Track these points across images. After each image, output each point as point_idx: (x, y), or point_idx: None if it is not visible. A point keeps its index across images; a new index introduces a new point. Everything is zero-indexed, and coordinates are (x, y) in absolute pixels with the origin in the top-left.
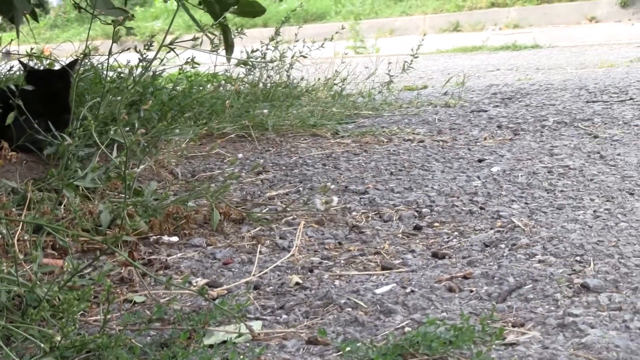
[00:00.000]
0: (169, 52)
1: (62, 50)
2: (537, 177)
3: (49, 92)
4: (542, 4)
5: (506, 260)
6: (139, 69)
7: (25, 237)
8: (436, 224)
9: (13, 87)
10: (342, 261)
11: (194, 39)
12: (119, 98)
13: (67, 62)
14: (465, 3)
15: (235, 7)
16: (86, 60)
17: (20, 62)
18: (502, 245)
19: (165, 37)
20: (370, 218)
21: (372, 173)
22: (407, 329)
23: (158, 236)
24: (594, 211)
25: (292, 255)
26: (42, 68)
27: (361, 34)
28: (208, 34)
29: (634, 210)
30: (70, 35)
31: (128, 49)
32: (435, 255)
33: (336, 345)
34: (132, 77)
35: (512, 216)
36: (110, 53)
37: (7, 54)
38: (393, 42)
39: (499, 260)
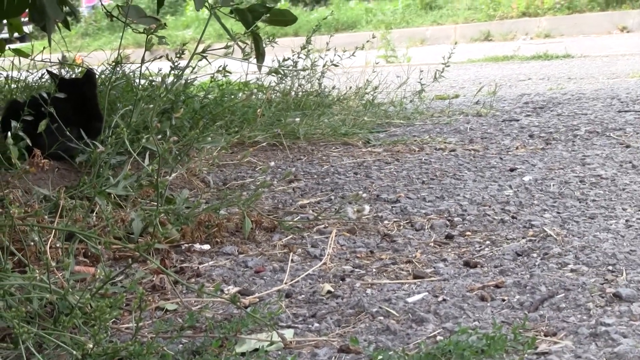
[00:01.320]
0: (200, 60)
1: (94, 59)
2: (569, 186)
3: (80, 99)
4: (573, 14)
5: (538, 269)
6: (171, 77)
7: (58, 245)
8: (468, 233)
9: (45, 95)
10: (374, 270)
11: (226, 47)
12: (151, 106)
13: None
14: (496, 13)
15: (267, 15)
16: (118, 68)
17: (49, 73)
18: (534, 255)
19: (197, 46)
20: (401, 227)
21: (404, 182)
22: (439, 337)
23: (190, 244)
24: (626, 221)
25: (324, 263)
26: (73, 76)
27: (392, 43)
28: (239, 42)
29: None
30: (101, 43)
31: (160, 57)
32: (467, 264)
33: (368, 353)
34: (164, 86)
35: (544, 225)
36: (142, 61)
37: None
38: (424, 51)
39: (531, 270)
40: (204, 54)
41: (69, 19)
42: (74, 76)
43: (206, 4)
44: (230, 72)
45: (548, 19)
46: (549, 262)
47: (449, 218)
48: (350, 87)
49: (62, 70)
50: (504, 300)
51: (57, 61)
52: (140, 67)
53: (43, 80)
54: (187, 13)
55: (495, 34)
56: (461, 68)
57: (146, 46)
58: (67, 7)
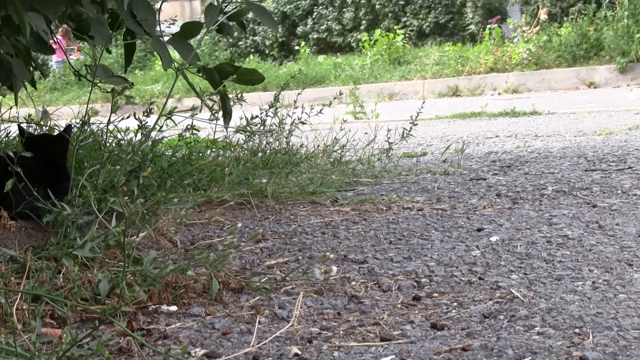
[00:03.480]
0: (168, 119)
1: (62, 114)
2: (536, 247)
3: (47, 158)
4: (540, 69)
5: (505, 332)
6: (139, 136)
7: (24, 307)
8: (435, 294)
9: (11, 154)
10: (341, 332)
11: (193, 108)
12: (118, 167)
13: (63, 127)
14: (464, 68)
15: (234, 75)
16: (85, 127)
17: (19, 127)
18: (501, 317)
19: (165, 103)
20: (369, 288)
21: (371, 242)
22: None
23: (157, 305)
24: (593, 282)
25: (291, 325)
26: (40, 133)
27: (360, 98)
28: (207, 101)
29: (632, 282)
30: (70, 97)
31: (128, 116)
32: (434, 326)
33: None
34: (131, 147)
35: (511, 287)
36: (109, 121)
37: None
38: (392, 107)
39: (497, 332)
40: (171, 115)
41: (36, 75)
42: (43, 132)
43: (174, 64)
44: (198, 130)
45: (516, 74)
46: (515, 325)
47: (416, 279)
48: (318, 145)
49: (31, 127)
50: None
51: (24, 120)
52: (107, 127)
53: (10, 137)
54: (156, 67)
55: (464, 89)
56: (429, 125)
57: (112, 107)
58: (35, 65)
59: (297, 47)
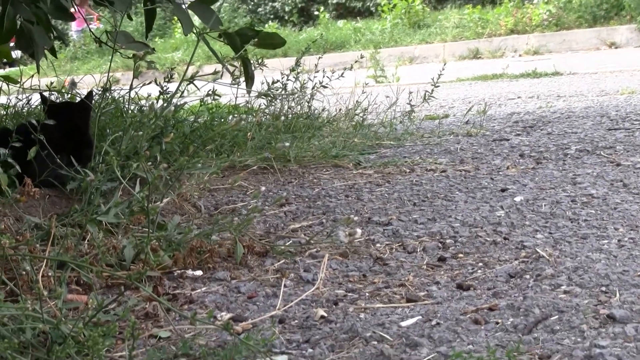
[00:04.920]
0: (189, 84)
1: (83, 83)
2: (561, 206)
3: (70, 126)
4: (561, 30)
5: (531, 291)
6: (160, 102)
7: (50, 273)
8: (460, 255)
9: (34, 122)
10: (367, 294)
11: (215, 72)
12: (140, 133)
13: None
14: (484, 30)
15: (256, 39)
16: (107, 94)
17: (41, 96)
18: (527, 276)
19: (186, 70)
20: (394, 250)
21: (395, 204)
22: None
23: (182, 270)
24: (619, 240)
25: (317, 288)
26: (62, 101)
27: (381, 62)
28: (228, 66)
29: None
30: (91, 67)
31: (149, 82)
32: (460, 286)
33: None
34: (153, 112)
35: (537, 246)
36: (131, 87)
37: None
38: (413, 70)
39: (524, 292)
40: (193, 80)
41: (56, 44)
42: (65, 100)
43: (194, 29)
44: (219, 96)
45: (536, 35)
46: (542, 284)
47: (441, 240)
48: (340, 109)
49: (52, 95)
50: (497, 323)
51: (46, 88)
52: (129, 93)
53: (32, 106)
54: (176, 35)
55: (484, 51)
56: (450, 87)
57: (134, 73)
58: (55, 33)
59: (316, 13)
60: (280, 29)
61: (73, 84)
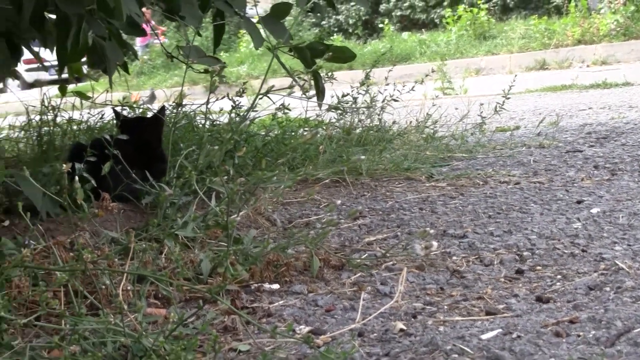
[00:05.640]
0: (262, 98)
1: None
2: (638, 217)
3: (143, 140)
4: (629, 40)
5: (612, 303)
6: (234, 116)
7: (129, 287)
8: (538, 268)
9: (108, 137)
10: (445, 306)
11: (290, 86)
12: (216, 147)
13: (157, 109)
14: (551, 41)
15: (326, 53)
16: (180, 109)
17: (114, 111)
18: (607, 288)
19: (262, 85)
20: (470, 262)
21: (470, 216)
22: None
23: (259, 284)
24: None
25: (395, 301)
26: (133, 116)
27: (448, 74)
28: (298, 79)
29: None
30: (156, 81)
31: (222, 97)
32: (539, 299)
33: None
34: (230, 127)
35: (616, 258)
36: (207, 101)
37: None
38: (480, 82)
39: (604, 304)
40: (268, 94)
41: (126, 60)
42: (138, 115)
43: (266, 44)
44: (290, 110)
45: (604, 45)
46: (622, 296)
47: (518, 253)
48: (411, 121)
49: (125, 110)
50: (579, 335)
51: (118, 102)
52: (206, 108)
53: (105, 120)
54: (241, 49)
55: (551, 62)
56: (519, 98)
57: (211, 88)
58: (125, 48)
59: (380, 25)
60: (345, 42)
61: (153, 97)
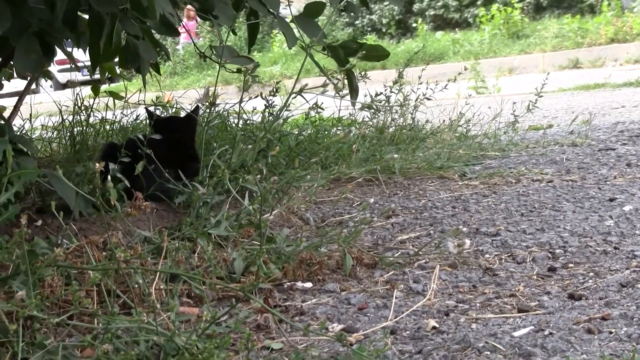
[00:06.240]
0: (294, 97)
1: (185, 98)
2: None
3: (176, 139)
4: None
5: None
6: (267, 116)
7: (161, 286)
8: (570, 265)
9: (141, 137)
10: (478, 304)
11: (324, 85)
12: (249, 146)
13: (191, 109)
14: (584, 40)
15: (360, 52)
16: (213, 108)
17: (147, 111)
18: (639, 286)
19: (295, 84)
20: (503, 260)
21: (503, 215)
22: None
23: (292, 282)
24: None
25: (428, 299)
26: (168, 115)
27: (481, 73)
28: (332, 78)
29: None
30: (190, 82)
31: (256, 96)
32: (571, 296)
33: None
34: (264, 126)
35: None
36: (240, 101)
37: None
38: (513, 81)
39: (636, 301)
40: (301, 93)
41: (159, 60)
42: (171, 114)
43: (300, 43)
44: (323, 109)
45: (637, 44)
46: None
47: (551, 250)
48: (444, 120)
49: (157, 110)
50: (611, 332)
51: (152, 102)
52: (240, 107)
53: (137, 120)
54: (274, 49)
55: (584, 61)
56: (552, 97)
57: (244, 87)
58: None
59: (414, 25)
60: (378, 41)
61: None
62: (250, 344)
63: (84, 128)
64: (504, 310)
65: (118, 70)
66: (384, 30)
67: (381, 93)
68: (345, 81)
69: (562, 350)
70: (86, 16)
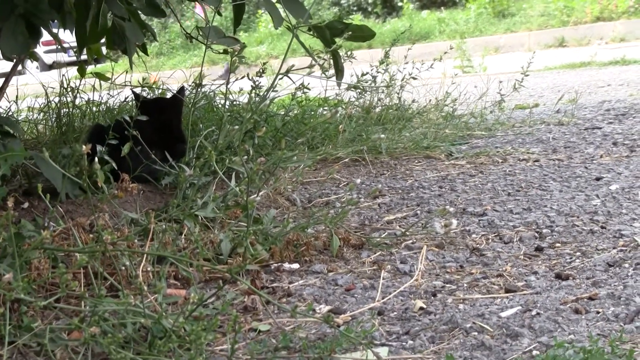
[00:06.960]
0: (281, 78)
1: (172, 78)
2: None
3: (162, 121)
4: None
5: (631, 280)
6: (253, 96)
7: (149, 268)
8: (557, 245)
9: (127, 118)
10: (465, 284)
11: (310, 66)
12: (236, 127)
13: (176, 89)
14: (570, 18)
15: (346, 32)
16: (199, 89)
17: (133, 92)
18: (626, 265)
19: (281, 65)
20: (490, 240)
21: (490, 194)
22: (535, 352)
23: (279, 264)
24: None
25: (415, 279)
26: (152, 97)
27: (467, 52)
28: (318, 59)
29: None
30: (176, 62)
31: (242, 77)
32: (558, 276)
33: None
34: (250, 107)
35: (635, 235)
36: (227, 82)
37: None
38: (499, 60)
39: (624, 280)
40: (287, 73)
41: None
42: (157, 96)
43: (286, 23)
44: (309, 89)
45: (623, 22)
46: None
47: (537, 230)
48: (430, 100)
49: (143, 91)
50: (598, 312)
51: (138, 83)
52: (226, 88)
53: (124, 101)
54: (260, 29)
55: (570, 39)
56: (538, 76)
57: (231, 68)
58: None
59: (400, 4)
60: (364, 21)
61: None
62: (238, 325)
63: (71, 109)
64: (492, 290)
65: (104, 52)
66: (369, 9)
67: (367, 73)
68: (331, 61)
69: (549, 331)
70: None
